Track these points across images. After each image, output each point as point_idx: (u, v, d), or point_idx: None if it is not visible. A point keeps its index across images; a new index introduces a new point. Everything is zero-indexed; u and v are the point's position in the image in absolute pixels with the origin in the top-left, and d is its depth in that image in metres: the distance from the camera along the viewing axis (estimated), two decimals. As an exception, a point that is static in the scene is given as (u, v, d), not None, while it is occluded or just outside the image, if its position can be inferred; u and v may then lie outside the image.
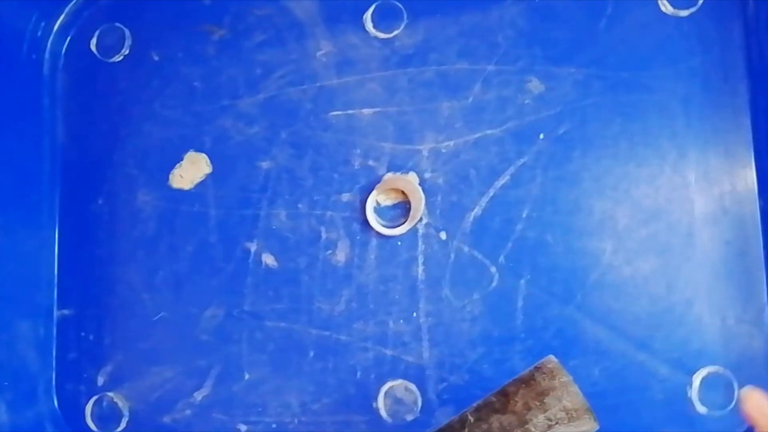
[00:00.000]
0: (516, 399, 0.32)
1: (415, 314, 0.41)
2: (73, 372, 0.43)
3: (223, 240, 0.43)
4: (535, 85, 0.42)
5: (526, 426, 0.31)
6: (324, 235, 0.42)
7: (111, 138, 0.44)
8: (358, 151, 0.43)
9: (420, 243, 0.42)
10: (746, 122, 0.40)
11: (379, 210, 0.42)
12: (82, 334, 0.43)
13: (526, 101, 0.42)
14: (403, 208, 0.42)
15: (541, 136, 0.42)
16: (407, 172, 0.42)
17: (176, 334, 0.42)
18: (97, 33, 0.46)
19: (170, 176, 0.44)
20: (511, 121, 0.42)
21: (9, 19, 0.43)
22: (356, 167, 0.43)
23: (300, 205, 0.43)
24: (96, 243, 0.44)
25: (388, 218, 0.42)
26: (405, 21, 0.44)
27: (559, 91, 0.42)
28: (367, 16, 0.44)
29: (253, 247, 0.43)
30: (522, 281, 0.41)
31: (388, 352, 0.41)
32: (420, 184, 0.42)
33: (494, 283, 0.41)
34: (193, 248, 0.43)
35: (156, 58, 0.45)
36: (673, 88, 0.41)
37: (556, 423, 0.31)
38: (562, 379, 0.32)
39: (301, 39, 0.44)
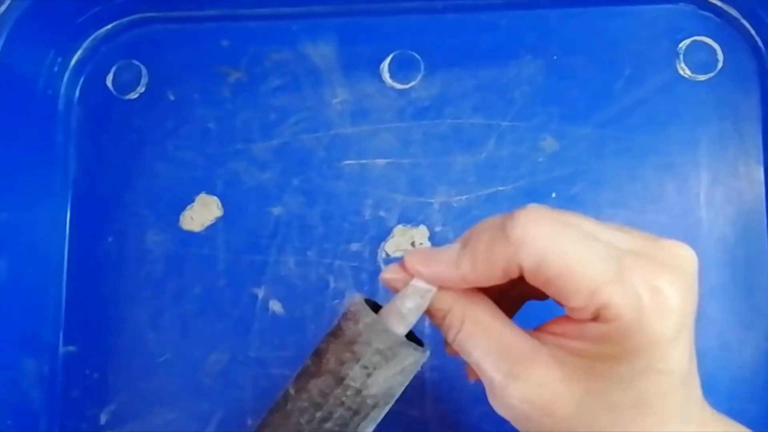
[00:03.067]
0: (328, 356, 0.29)
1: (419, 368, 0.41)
2: (76, 410, 0.43)
3: (231, 284, 0.43)
4: (550, 144, 0.42)
5: (345, 382, 0.28)
6: (332, 285, 0.42)
7: (123, 176, 0.44)
8: (370, 201, 0.43)
9: (428, 296, 0.41)
10: (761, 191, 0.40)
11: (388, 261, 0.42)
12: (87, 371, 0.43)
13: (540, 159, 0.42)
14: (412, 260, 0.42)
15: (554, 195, 0.41)
16: (418, 225, 0.42)
17: (180, 377, 0.42)
18: (113, 69, 0.46)
19: (181, 218, 0.44)
20: (524, 179, 0.42)
21: (26, 54, 0.43)
22: (367, 217, 0.43)
23: (309, 253, 0.43)
24: (104, 281, 0.44)
25: (397, 270, 0.42)
26: (422, 72, 0.43)
27: (574, 150, 0.42)
28: (385, 65, 0.44)
29: (260, 293, 0.42)
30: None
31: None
32: (430, 238, 0.42)
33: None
34: (201, 291, 0.43)
35: (171, 97, 0.45)
36: (689, 152, 0.41)
37: (374, 368, 0.28)
38: (366, 321, 0.28)
39: (317, 86, 0.44)
